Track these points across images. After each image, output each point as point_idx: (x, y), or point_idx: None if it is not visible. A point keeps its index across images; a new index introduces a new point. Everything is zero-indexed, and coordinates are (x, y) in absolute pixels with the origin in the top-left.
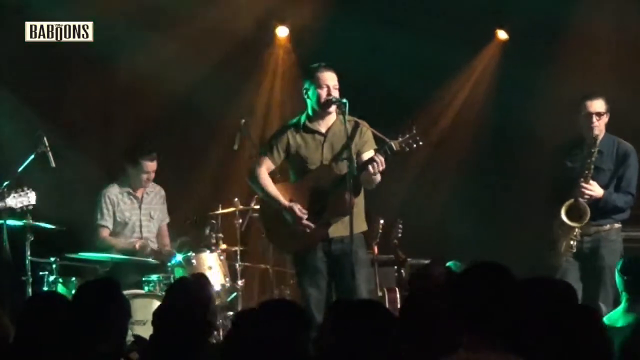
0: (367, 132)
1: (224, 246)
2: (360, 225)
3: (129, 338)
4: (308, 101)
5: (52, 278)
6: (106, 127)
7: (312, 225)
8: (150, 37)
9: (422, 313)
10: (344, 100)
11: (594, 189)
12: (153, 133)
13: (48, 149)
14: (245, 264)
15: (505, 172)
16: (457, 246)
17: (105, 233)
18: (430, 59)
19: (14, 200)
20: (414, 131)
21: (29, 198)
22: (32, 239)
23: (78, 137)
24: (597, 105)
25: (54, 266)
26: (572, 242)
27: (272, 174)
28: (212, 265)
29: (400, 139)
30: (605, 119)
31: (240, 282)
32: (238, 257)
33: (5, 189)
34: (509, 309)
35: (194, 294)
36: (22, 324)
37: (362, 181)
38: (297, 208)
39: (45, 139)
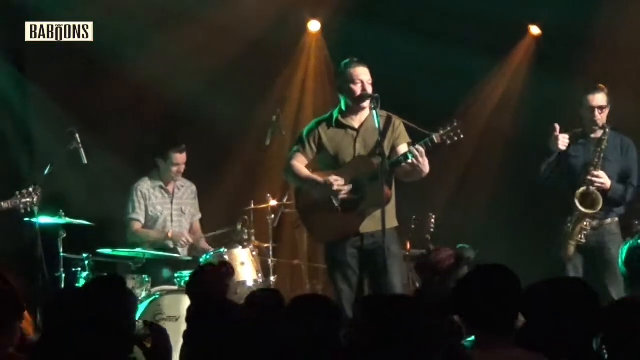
0: (400, 126)
1: (256, 242)
2: (392, 221)
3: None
4: (341, 96)
5: (84, 274)
6: (136, 122)
7: (348, 191)
8: (180, 29)
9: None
10: (377, 95)
11: (604, 179)
12: (185, 129)
13: (80, 145)
14: (278, 259)
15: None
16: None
17: (137, 226)
18: (458, 65)
19: (18, 201)
20: (455, 124)
21: (34, 197)
22: (65, 235)
23: (108, 133)
24: (599, 98)
25: (86, 263)
26: (583, 231)
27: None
28: (245, 261)
29: (442, 132)
30: (606, 112)
31: (272, 278)
32: (270, 253)
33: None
34: (514, 309)
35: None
36: (46, 320)
37: (404, 175)
38: (333, 178)
39: (77, 135)
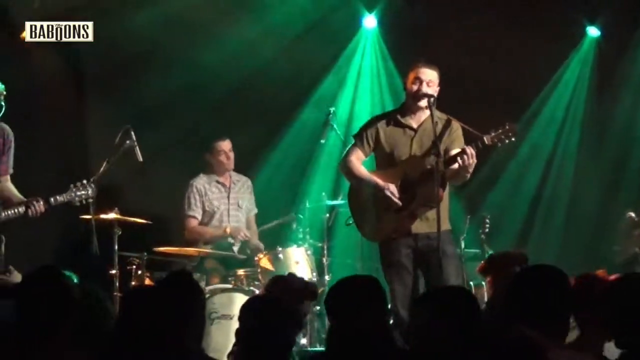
0: (457, 130)
1: (311, 241)
2: (444, 224)
3: None
4: (404, 94)
5: (140, 272)
6: (191, 120)
7: (400, 203)
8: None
9: None
10: (433, 95)
11: None
12: (241, 125)
13: (135, 143)
14: (333, 258)
15: (603, 169)
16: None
17: (193, 223)
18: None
19: (73, 194)
20: (507, 126)
21: (88, 190)
22: (120, 233)
23: (162, 130)
24: None
25: (141, 260)
26: None
27: None
28: (299, 260)
29: (493, 134)
30: None
31: (327, 277)
32: (325, 251)
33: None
34: (565, 308)
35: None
36: (121, 318)
37: (450, 177)
38: (392, 186)
39: (132, 133)
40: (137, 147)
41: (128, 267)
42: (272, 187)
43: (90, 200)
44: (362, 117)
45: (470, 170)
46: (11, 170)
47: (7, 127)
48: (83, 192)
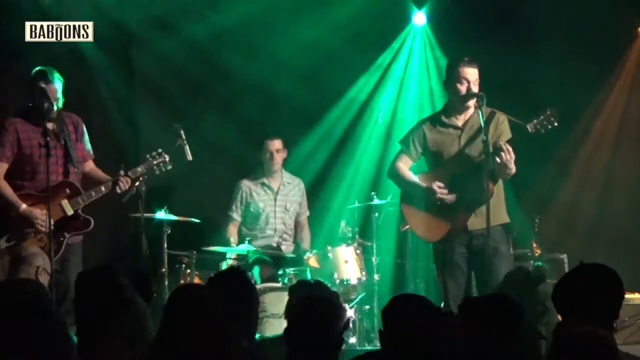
0: (503, 122)
1: (360, 240)
2: (502, 217)
3: None
4: (448, 94)
5: (188, 271)
6: (245, 119)
7: (452, 198)
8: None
9: None
10: (482, 94)
11: None
12: (297, 125)
13: (185, 142)
14: (382, 258)
15: None
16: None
17: (231, 226)
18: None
19: (151, 164)
20: (549, 112)
21: (165, 158)
22: (170, 232)
23: (212, 130)
24: None
25: (190, 259)
26: None
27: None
28: (348, 259)
29: (535, 121)
30: None
31: (376, 276)
32: (374, 251)
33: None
34: (615, 305)
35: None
36: (167, 316)
37: (497, 172)
38: (436, 185)
39: (182, 132)
40: (187, 146)
41: (177, 266)
42: (322, 189)
43: (169, 167)
44: (409, 114)
45: (511, 165)
46: (92, 155)
47: (74, 115)
48: (160, 160)
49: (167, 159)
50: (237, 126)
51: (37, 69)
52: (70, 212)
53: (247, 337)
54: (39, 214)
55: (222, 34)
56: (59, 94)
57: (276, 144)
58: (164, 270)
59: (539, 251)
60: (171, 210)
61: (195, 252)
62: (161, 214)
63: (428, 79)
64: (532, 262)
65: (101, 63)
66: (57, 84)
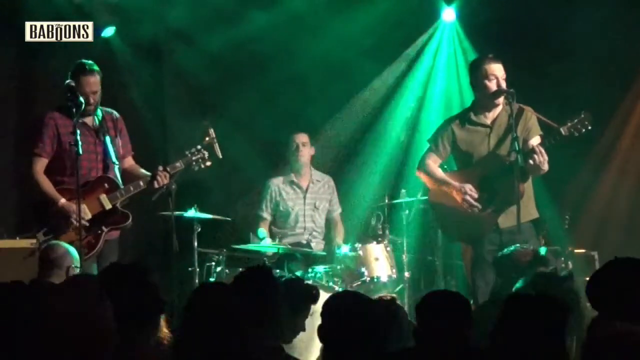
0: (532, 117)
1: (391, 237)
2: (531, 213)
3: None
4: (476, 93)
5: (219, 269)
6: (273, 119)
7: (480, 206)
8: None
9: None
10: (512, 91)
11: None
12: (324, 121)
13: (215, 140)
14: (412, 255)
15: None
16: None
17: (261, 224)
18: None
19: (189, 160)
20: (583, 115)
21: (204, 154)
22: (200, 230)
23: (243, 127)
24: None
25: (221, 257)
26: None
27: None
28: (379, 257)
29: (569, 124)
30: None
31: (407, 274)
32: (405, 248)
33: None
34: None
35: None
36: (189, 313)
37: (529, 169)
38: (468, 188)
39: (211, 130)
40: (217, 144)
41: (207, 264)
42: (354, 185)
43: (208, 164)
44: (438, 112)
45: (543, 166)
46: (132, 152)
47: (114, 112)
48: (199, 156)
49: (206, 155)
50: (268, 123)
51: (77, 62)
52: (108, 206)
53: (272, 336)
54: (76, 208)
55: (256, 31)
56: (98, 87)
57: (302, 137)
58: (193, 269)
59: (570, 247)
60: (202, 208)
61: (225, 250)
62: (191, 212)
63: (457, 75)
64: (533, 248)
65: (131, 60)
66: (97, 76)
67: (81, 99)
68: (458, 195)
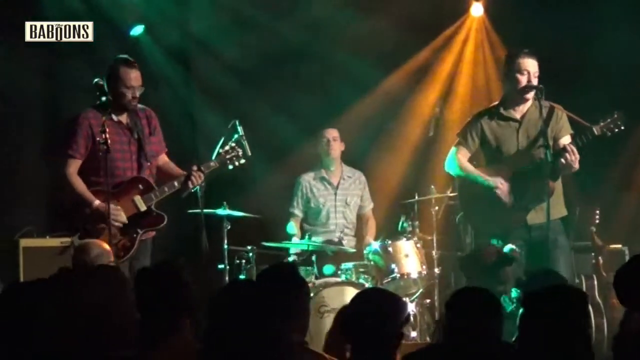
0: (562, 116)
1: (420, 234)
2: (560, 211)
3: None
4: (505, 87)
5: (249, 266)
6: (303, 116)
7: (510, 199)
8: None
9: None
10: (542, 87)
11: None
12: (349, 118)
13: (243, 137)
14: (442, 251)
15: None
16: None
17: (293, 221)
18: None
19: (223, 158)
20: (616, 115)
21: (239, 153)
22: (230, 227)
23: (270, 125)
24: None
25: (251, 255)
26: None
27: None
28: (409, 253)
29: (602, 124)
30: None
31: (437, 270)
32: (434, 244)
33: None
34: None
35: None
36: (214, 311)
37: (560, 168)
38: (500, 182)
39: (240, 127)
40: (245, 141)
41: (237, 262)
42: (381, 183)
43: (242, 162)
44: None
45: (575, 165)
46: (166, 148)
47: (147, 109)
48: (233, 154)
49: (240, 153)
50: (296, 121)
51: (118, 57)
52: (143, 208)
53: (298, 332)
54: (113, 209)
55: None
56: (140, 82)
57: (333, 132)
58: (223, 266)
59: (600, 243)
60: (231, 206)
61: (255, 247)
62: (221, 210)
63: (484, 69)
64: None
65: (160, 60)
66: (139, 71)
67: (109, 97)
68: (490, 189)
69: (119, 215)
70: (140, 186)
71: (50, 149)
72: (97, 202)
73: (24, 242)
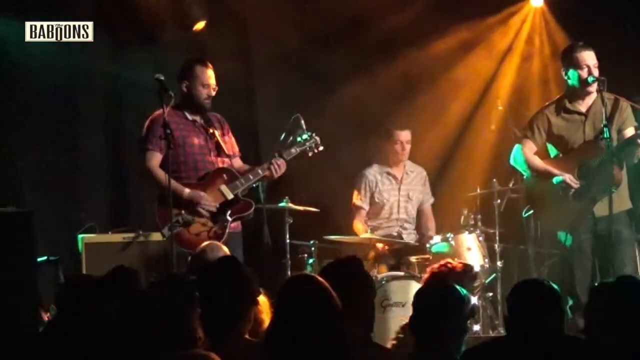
0: (627, 108)
1: (482, 227)
2: (625, 203)
3: None
4: (568, 81)
5: (311, 260)
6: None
7: (580, 194)
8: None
9: None
10: (604, 79)
11: None
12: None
13: (305, 130)
14: (504, 245)
15: None
16: None
17: (358, 215)
18: None
19: (304, 145)
20: None
21: (317, 140)
22: (292, 221)
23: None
24: None
25: (312, 249)
26: None
27: None
28: (471, 247)
29: None
30: None
31: (499, 263)
32: (497, 238)
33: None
34: None
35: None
36: (279, 305)
37: (626, 158)
38: (568, 177)
39: (302, 121)
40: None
41: (299, 256)
42: (443, 176)
43: (321, 148)
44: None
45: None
46: (239, 153)
47: (217, 114)
48: (313, 141)
49: (319, 141)
50: (359, 115)
51: (193, 57)
52: (230, 196)
53: (362, 327)
54: (202, 197)
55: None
56: (215, 81)
57: (407, 135)
58: (285, 260)
59: None
60: (293, 200)
61: (317, 241)
62: (283, 204)
63: (544, 61)
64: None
65: (219, 53)
66: (213, 71)
67: (171, 92)
68: (557, 184)
69: (209, 203)
70: (225, 176)
71: (137, 144)
72: (187, 190)
73: (87, 238)
